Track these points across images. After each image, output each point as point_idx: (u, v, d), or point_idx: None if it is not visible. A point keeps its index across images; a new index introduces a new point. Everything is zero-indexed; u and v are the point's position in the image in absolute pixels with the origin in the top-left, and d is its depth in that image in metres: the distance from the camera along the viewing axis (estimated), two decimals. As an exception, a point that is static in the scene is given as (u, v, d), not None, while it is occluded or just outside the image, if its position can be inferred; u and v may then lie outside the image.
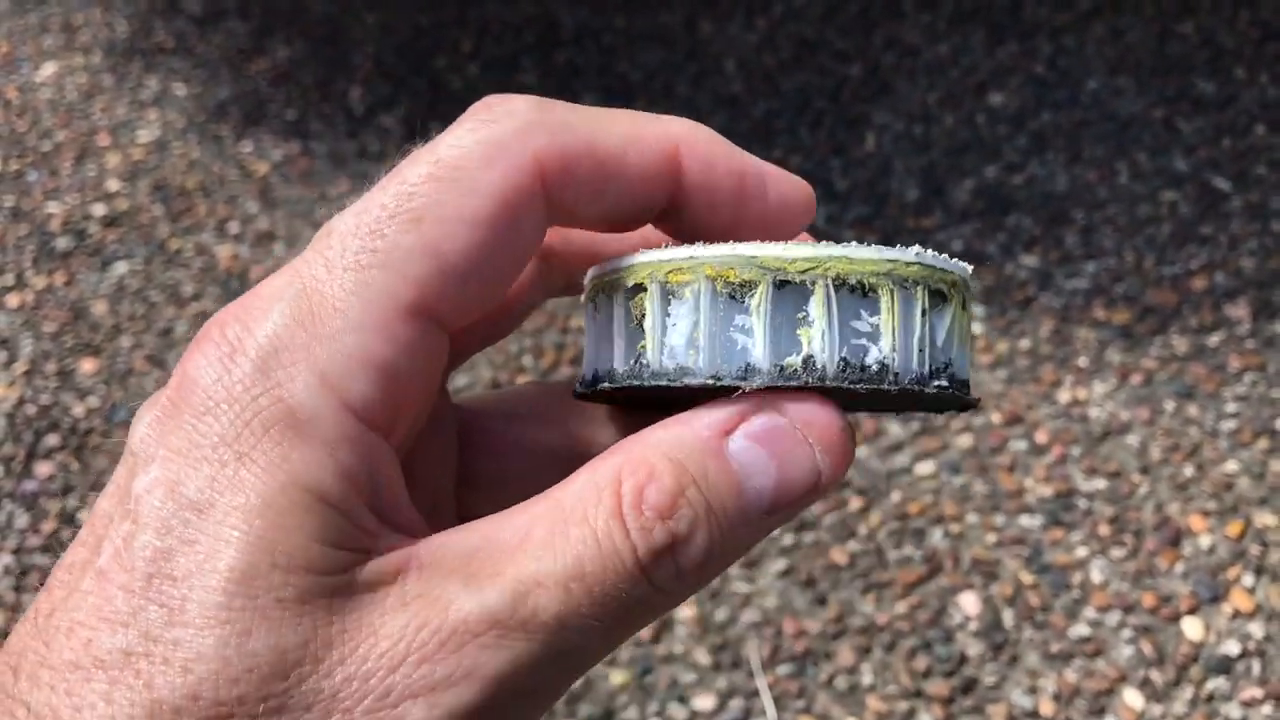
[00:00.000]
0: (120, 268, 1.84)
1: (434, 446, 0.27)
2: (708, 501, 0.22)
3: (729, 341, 0.23)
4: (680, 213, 0.26)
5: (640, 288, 0.24)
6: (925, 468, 1.42)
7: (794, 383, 0.23)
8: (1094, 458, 1.41)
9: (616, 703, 1.20)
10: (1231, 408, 1.46)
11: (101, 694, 0.20)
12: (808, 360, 0.23)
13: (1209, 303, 1.62)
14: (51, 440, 1.54)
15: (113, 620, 0.20)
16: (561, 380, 0.31)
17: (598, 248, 0.29)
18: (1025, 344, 1.59)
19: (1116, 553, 1.30)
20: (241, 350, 0.22)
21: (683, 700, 1.19)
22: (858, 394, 0.24)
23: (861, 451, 1.44)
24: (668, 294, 0.24)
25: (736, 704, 1.19)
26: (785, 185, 0.26)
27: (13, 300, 1.79)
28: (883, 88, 2.17)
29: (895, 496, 1.39)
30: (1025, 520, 1.35)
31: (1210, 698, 1.16)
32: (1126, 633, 1.22)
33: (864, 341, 0.23)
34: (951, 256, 0.25)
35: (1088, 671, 1.19)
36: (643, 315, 0.24)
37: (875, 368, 0.23)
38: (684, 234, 0.27)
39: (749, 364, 0.23)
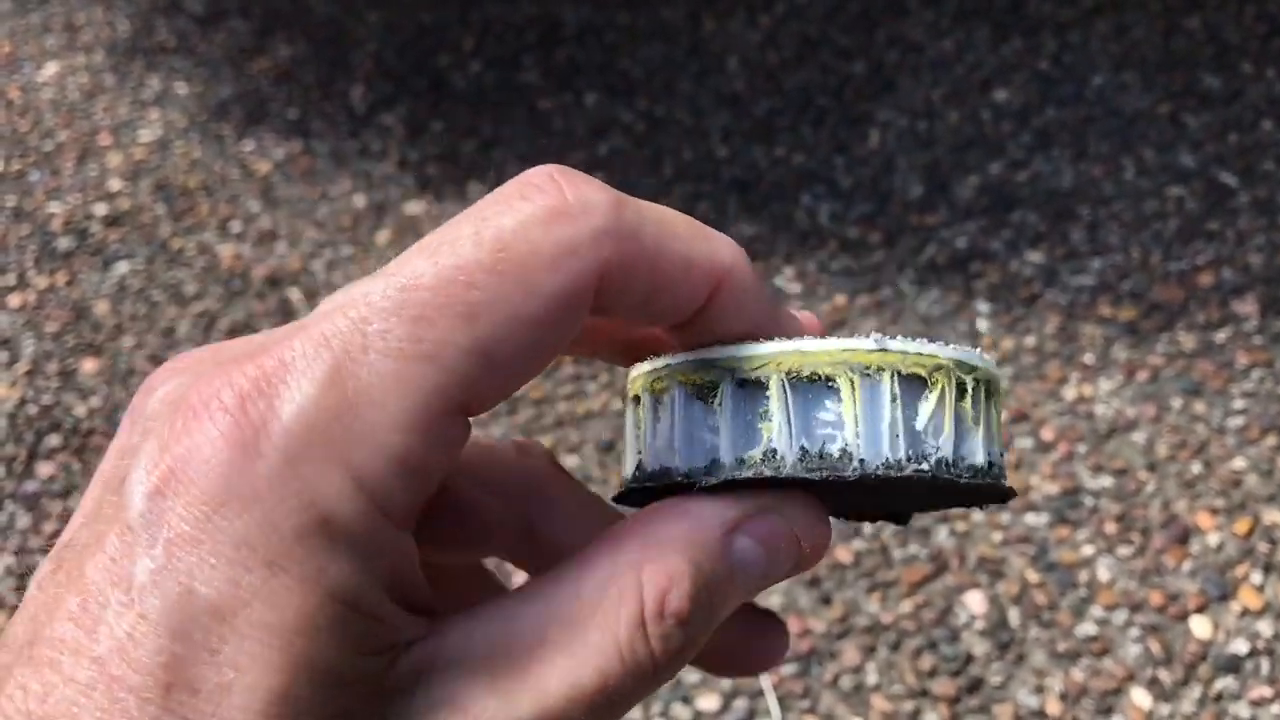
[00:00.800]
0: (122, 267, 1.84)
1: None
2: (712, 601, 0.23)
3: (700, 440, 0.25)
4: (686, 327, 0.26)
5: (637, 398, 0.26)
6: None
7: (751, 473, 0.24)
8: (1100, 455, 1.41)
9: (620, 703, 1.19)
10: (1239, 404, 1.45)
11: None
12: (768, 453, 0.24)
13: (1216, 299, 1.61)
14: (53, 441, 1.54)
15: (125, 713, 0.19)
16: (539, 449, 0.31)
17: (621, 329, 0.29)
18: (1031, 341, 1.58)
19: (1123, 551, 1.29)
20: (265, 435, 0.20)
21: (686, 700, 1.19)
22: (863, 487, 0.25)
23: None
24: (655, 402, 0.26)
25: (741, 704, 1.18)
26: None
27: (14, 300, 1.78)
28: (886, 85, 2.16)
29: (900, 495, 1.38)
30: (1031, 518, 1.34)
31: (1219, 697, 1.15)
32: (1134, 631, 1.21)
33: (829, 430, 0.24)
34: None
35: (1095, 670, 1.18)
36: (638, 423, 0.26)
37: (837, 454, 0.24)
38: (684, 340, 0.27)
39: (715, 460, 0.24)
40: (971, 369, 0.25)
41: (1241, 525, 1.30)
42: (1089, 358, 1.54)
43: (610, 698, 0.22)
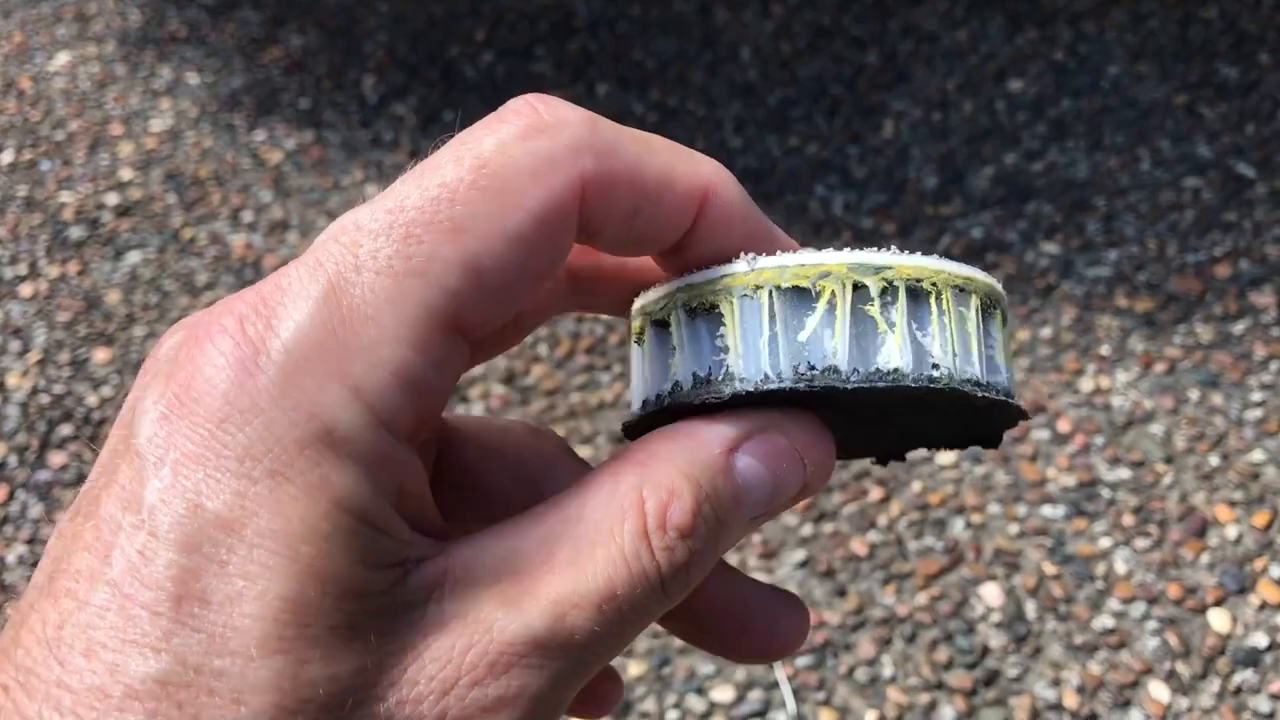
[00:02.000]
0: (133, 257, 1.83)
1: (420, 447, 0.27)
2: (717, 517, 0.23)
3: (664, 366, 0.26)
4: (680, 251, 0.26)
5: (640, 332, 0.26)
6: (946, 457, 1.40)
7: (679, 399, 0.25)
8: (1117, 447, 1.39)
9: (634, 694, 1.18)
10: (1257, 396, 1.44)
11: None
12: (676, 384, 0.25)
13: (1233, 290, 1.60)
14: (65, 430, 1.54)
15: (141, 644, 0.19)
16: (552, 436, 0.31)
17: (623, 271, 0.29)
18: (1047, 332, 1.56)
19: (1141, 543, 1.28)
20: (265, 352, 0.20)
21: (700, 692, 1.18)
22: (843, 413, 0.25)
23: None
24: (653, 331, 0.26)
25: (755, 696, 1.17)
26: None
27: (26, 290, 1.78)
28: (900, 75, 2.14)
29: (916, 486, 1.37)
30: (1048, 510, 1.33)
31: (1238, 690, 1.14)
32: (1151, 624, 1.20)
33: (719, 357, 0.25)
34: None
35: (1112, 663, 1.17)
36: (642, 355, 0.26)
37: (721, 377, 0.24)
38: (672, 266, 0.27)
39: (675, 382, 0.25)
40: (876, 269, 0.24)
41: (1260, 518, 1.29)
42: (1105, 349, 1.53)
43: (620, 607, 0.22)
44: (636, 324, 0.27)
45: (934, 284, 0.24)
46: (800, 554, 1.30)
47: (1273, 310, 1.56)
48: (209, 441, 0.20)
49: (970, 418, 0.27)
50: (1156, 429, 1.41)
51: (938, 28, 2.27)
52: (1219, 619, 1.20)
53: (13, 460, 1.50)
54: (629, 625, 0.22)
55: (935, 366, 0.24)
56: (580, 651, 0.22)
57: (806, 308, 0.24)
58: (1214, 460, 1.37)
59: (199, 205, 1.94)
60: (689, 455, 0.23)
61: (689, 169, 0.25)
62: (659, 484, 0.23)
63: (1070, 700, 1.15)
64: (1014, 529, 1.31)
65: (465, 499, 0.29)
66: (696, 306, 0.25)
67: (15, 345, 1.68)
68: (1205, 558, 1.26)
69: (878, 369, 0.24)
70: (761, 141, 1.99)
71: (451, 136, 0.24)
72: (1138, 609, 1.22)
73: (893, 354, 0.24)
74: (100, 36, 2.46)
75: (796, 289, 0.24)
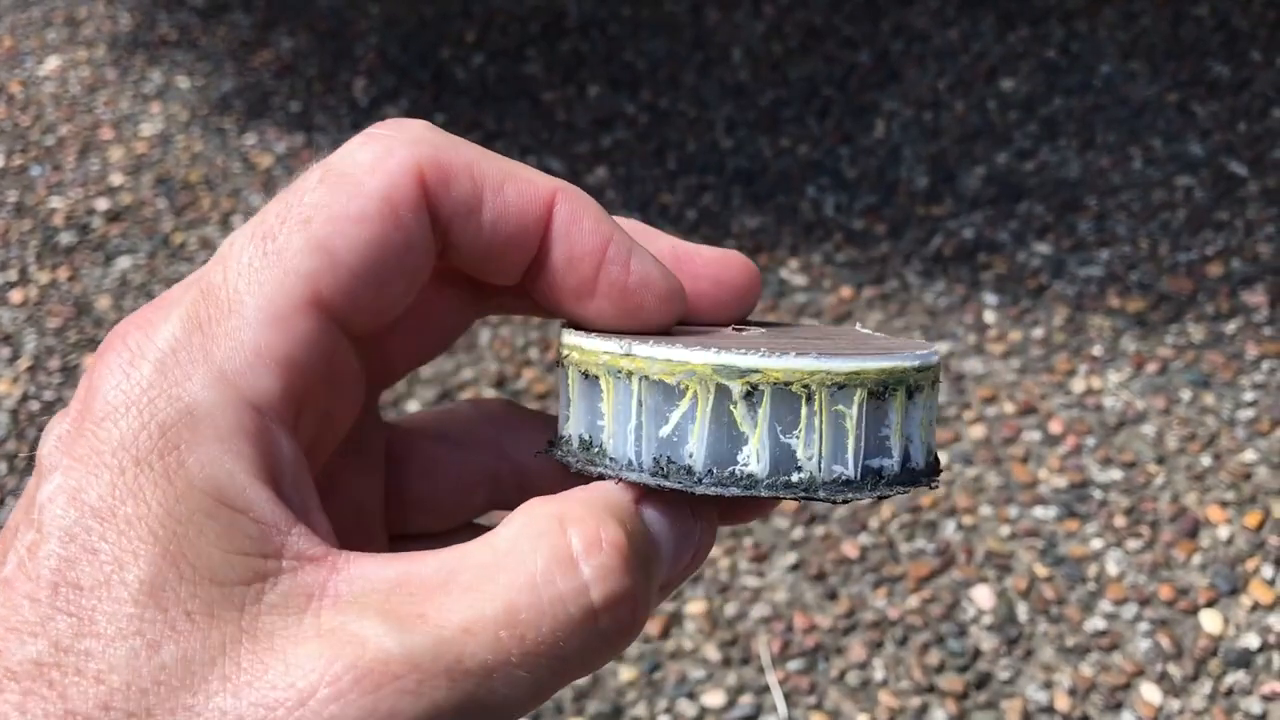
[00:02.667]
0: (124, 262, 1.83)
1: (359, 463, 0.28)
2: (645, 557, 0.23)
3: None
4: (543, 265, 0.26)
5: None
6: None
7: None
8: (1109, 448, 1.39)
9: (625, 699, 1.18)
10: (1249, 396, 1.44)
11: (15, 705, 0.20)
12: (565, 438, 0.27)
13: (1225, 289, 1.60)
14: (55, 436, 1.53)
15: (21, 630, 0.20)
16: (497, 398, 0.32)
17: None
18: (1038, 333, 1.56)
19: (1133, 544, 1.28)
20: (142, 355, 0.22)
21: (692, 697, 1.18)
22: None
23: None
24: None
25: (746, 700, 1.17)
26: (650, 268, 0.26)
27: (16, 296, 1.77)
28: (892, 74, 2.14)
29: (907, 488, 1.36)
30: (1039, 512, 1.33)
31: (1229, 691, 1.14)
32: (1143, 626, 1.20)
33: (600, 423, 0.26)
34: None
35: (1104, 665, 1.17)
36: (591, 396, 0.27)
37: (598, 449, 0.26)
38: (546, 291, 0.27)
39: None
40: (742, 373, 0.24)
41: (1252, 518, 1.29)
42: (1097, 349, 1.53)
43: (523, 638, 0.21)
44: (557, 352, 0.28)
45: (805, 386, 0.24)
46: (792, 557, 1.30)
47: (1265, 310, 1.56)
48: (92, 442, 0.21)
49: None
50: (1148, 429, 1.41)
51: (929, 27, 2.26)
52: (1211, 620, 1.20)
53: (2, 468, 1.49)
54: (543, 664, 0.21)
55: (799, 469, 0.24)
56: (469, 683, 0.20)
57: (672, 402, 0.24)
58: (1206, 461, 1.37)
59: (189, 210, 1.93)
60: (605, 499, 0.24)
61: (535, 175, 0.26)
62: (583, 515, 0.22)
63: (1062, 702, 1.14)
64: (1005, 531, 1.31)
65: (435, 488, 0.30)
66: (585, 372, 0.25)
67: (5, 352, 1.68)
68: (1197, 559, 1.26)
69: (732, 473, 0.24)
70: (753, 143, 1.99)
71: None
72: (1129, 610, 1.22)
73: (750, 458, 0.24)
74: (90, 40, 2.45)
75: (663, 382, 0.24)
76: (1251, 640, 1.18)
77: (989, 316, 1.60)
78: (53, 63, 2.38)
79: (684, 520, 0.25)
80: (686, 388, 0.24)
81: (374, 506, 0.29)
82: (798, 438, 0.24)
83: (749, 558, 1.30)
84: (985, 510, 1.33)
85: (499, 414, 0.31)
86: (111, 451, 0.21)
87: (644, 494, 0.24)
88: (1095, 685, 1.16)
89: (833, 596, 1.26)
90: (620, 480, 0.24)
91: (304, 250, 0.23)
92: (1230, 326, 1.54)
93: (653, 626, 1.23)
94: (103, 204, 1.96)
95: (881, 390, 0.25)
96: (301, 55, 2.35)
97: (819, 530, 1.33)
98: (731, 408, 0.24)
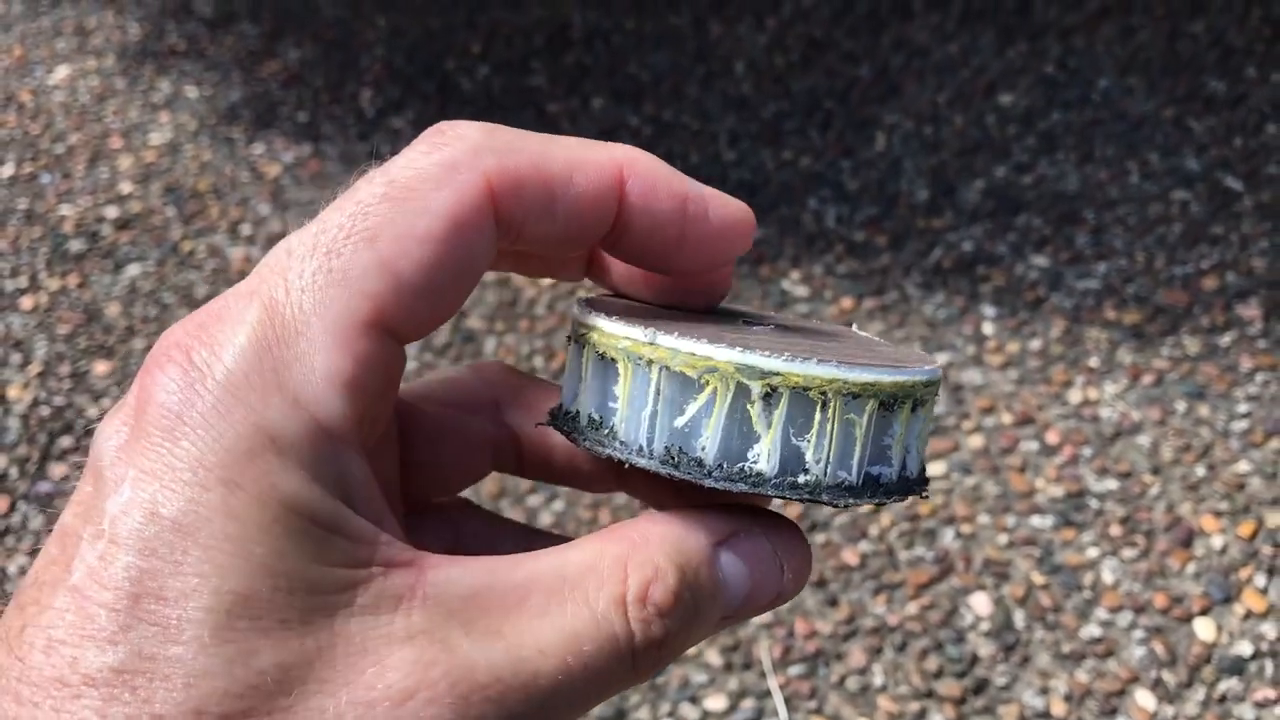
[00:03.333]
0: (133, 270, 1.85)
1: (382, 442, 0.28)
2: (696, 605, 0.24)
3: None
4: (624, 235, 0.27)
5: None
6: (937, 468, 1.42)
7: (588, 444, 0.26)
8: (1105, 458, 1.41)
9: (628, 703, 1.20)
10: (1243, 408, 1.46)
11: (95, 710, 0.20)
12: (574, 415, 0.27)
13: (1220, 303, 1.62)
14: (65, 442, 1.55)
15: (98, 638, 0.20)
16: (496, 362, 0.33)
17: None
18: (1036, 344, 1.58)
19: (1128, 553, 1.30)
20: (210, 375, 0.22)
21: (694, 701, 1.20)
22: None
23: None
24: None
25: (748, 704, 1.19)
26: (727, 209, 0.27)
27: (27, 302, 1.80)
28: (892, 88, 2.17)
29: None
30: (1036, 521, 1.35)
31: (1223, 698, 1.16)
32: (1138, 633, 1.22)
33: (613, 405, 0.26)
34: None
35: (1099, 672, 1.19)
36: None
37: (609, 431, 0.26)
38: (629, 255, 0.28)
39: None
40: (763, 374, 0.24)
41: (1245, 528, 1.31)
42: (1094, 361, 1.55)
43: (586, 664, 0.22)
44: (571, 327, 0.28)
45: (823, 393, 0.25)
46: (792, 564, 1.32)
47: (1259, 323, 1.58)
48: (164, 457, 0.21)
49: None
50: (1144, 440, 1.43)
51: (929, 42, 2.29)
52: (1205, 628, 1.22)
53: (14, 472, 1.51)
54: (591, 688, 0.23)
55: (805, 471, 0.25)
56: (541, 698, 0.22)
57: (690, 395, 0.25)
58: (1200, 471, 1.39)
59: (198, 218, 1.95)
60: (677, 542, 0.24)
61: (599, 152, 0.26)
62: (645, 560, 0.24)
63: (1058, 708, 1.16)
64: (1003, 539, 1.33)
65: (442, 452, 0.30)
66: (603, 354, 0.26)
67: (16, 358, 1.70)
68: (1191, 567, 1.28)
69: (741, 470, 0.24)
70: (755, 155, 2.01)
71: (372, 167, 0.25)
72: (1125, 618, 1.24)
73: (760, 456, 0.25)
74: (100, 50, 2.48)
75: (684, 375, 0.25)
76: (1244, 648, 1.20)
77: (988, 328, 1.62)
78: (62, 72, 2.40)
79: (765, 565, 0.25)
80: (707, 383, 0.25)
81: (394, 478, 0.29)
82: (809, 442, 0.25)
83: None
84: (983, 519, 1.35)
85: (498, 378, 0.32)
86: (190, 469, 0.21)
87: (732, 534, 0.25)
88: (1091, 691, 1.18)
89: (833, 603, 1.28)
90: (629, 465, 0.25)
91: (370, 271, 0.23)
92: (1225, 339, 1.56)
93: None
94: (112, 212, 1.98)
95: (891, 402, 0.26)
96: (308, 66, 2.38)
97: (820, 538, 1.35)
98: (749, 406, 0.24)
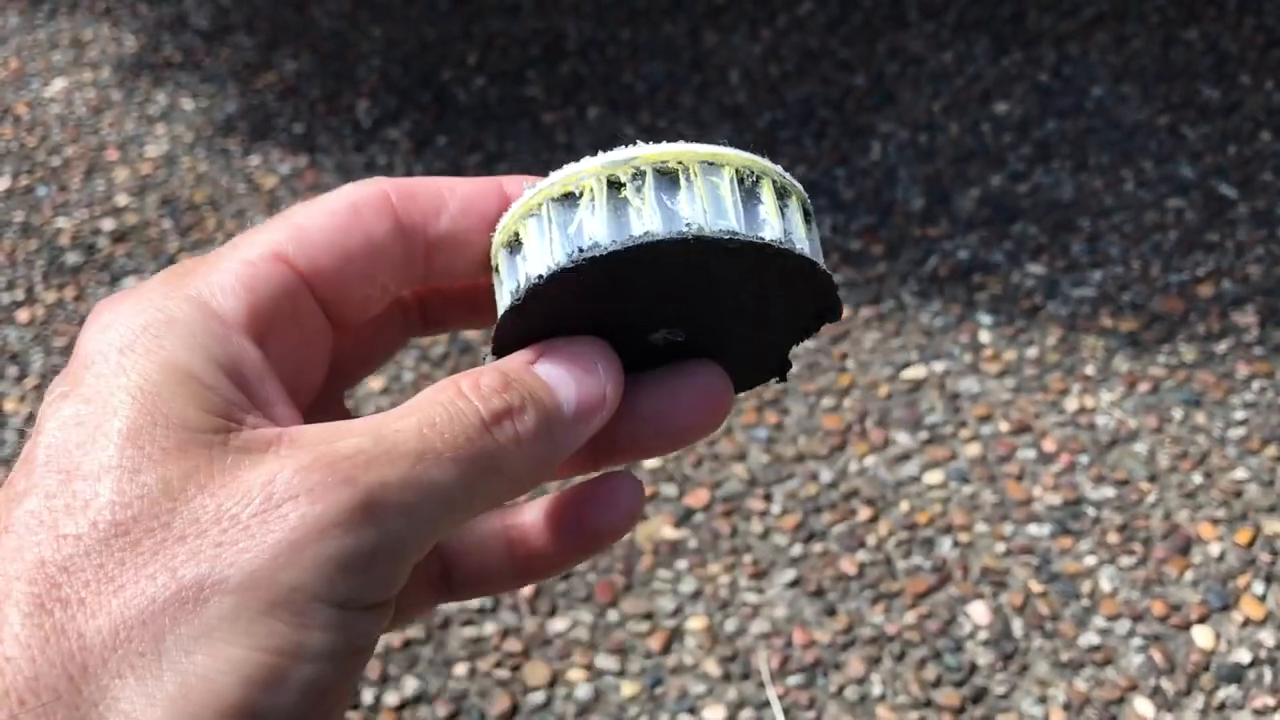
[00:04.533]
0: (130, 282, 1.85)
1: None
2: (527, 395, 0.27)
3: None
4: None
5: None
6: (934, 477, 1.42)
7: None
8: (1102, 466, 1.41)
9: (626, 714, 1.20)
10: (1240, 415, 1.46)
11: (13, 548, 0.23)
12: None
13: (1216, 310, 1.62)
14: (62, 455, 1.55)
15: (15, 498, 0.24)
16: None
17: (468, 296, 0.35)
18: (1032, 352, 1.59)
19: (1125, 561, 1.30)
20: (125, 297, 0.27)
21: (692, 711, 1.19)
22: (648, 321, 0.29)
23: (869, 461, 1.44)
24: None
25: (746, 715, 1.19)
26: None
27: (23, 315, 1.79)
28: (887, 97, 2.17)
29: (904, 506, 1.39)
30: (1034, 529, 1.35)
31: (1222, 706, 1.16)
32: (1136, 641, 1.22)
33: (525, 264, 0.29)
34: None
35: (1098, 680, 1.19)
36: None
37: (527, 272, 0.28)
38: None
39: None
40: (625, 161, 0.28)
41: (1243, 535, 1.31)
42: (1090, 369, 1.55)
43: (440, 433, 0.25)
44: (490, 271, 0.31)
45: (680, 162, 0.27)
46: (790, 574, 1.32)
47: (1255, 330, 1.59)
48: (82, 359, 0.26)
49: (773, 280, 0.29)
50: (1140, 448, 1.43)
51: (924, 50, 2.30)
52: (1203, 636, 1.22)
53: (10, 485, 1.51)
54: (464, 458, 0.25)
55: (686, 224, 0.27)
56: (408, 461, 0.24)
57: (573, 206, 0.28)
58: (1197, 479, 1.39)
59: (195, 230, 1.96)
60: (496, 364, 0.28)
61: (480, 178, 0.31)
62: (471, 374, 0.27)
63: (1057, 717, 1.16)
64: (1001, 548, 1.33)
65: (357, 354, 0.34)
66: (509, 241, 0.29)
67: (13, 371, 1.69)
68: (1189, 575, 1.28)
69: (630, 235, 0.27)
70: (751, 164, 2.02)
71: None
72: (1123, 626, 1.24)
73: (645, 223, 0.27)
74: (96, 63, 2.48)
75: (566, 195, 0.28)
76: (1243, 655, 1.20)
77: (984, 336, 1.62)
78: (59, 84, 2.40)
79: (582, 365, 0.28)
80: (583, 188, 0.28)
81: (306, 384, 0.33)
82: (680, 202, 0.27)
83: (748, 575, 1.32)
84: (981, 527, 1.35)
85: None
86: (99, 352, 0.25)
87: (539, 352, 0.28)
88: (1089, 700, 1.18)
89: (831, 612, 1.28)
90: (542, 280, 0.27)
91: (277, 227, 0.28)
92: (1221, 346, 1.57)
93: (654, 642, 1.25)
94: (108, 224, 1.98)
95: (748, 176, 0.28)
96: (304, 77, 2.38)
97: (817, 547, 1.35)
98: (622, 192, 0.27)
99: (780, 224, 0.28)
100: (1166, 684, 1.18)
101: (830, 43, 2.35)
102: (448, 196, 0.30)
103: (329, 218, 0.29)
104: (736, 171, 0.28)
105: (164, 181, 2.08)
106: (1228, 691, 1.17)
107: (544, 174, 0.29)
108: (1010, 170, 1.94)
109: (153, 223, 1.98)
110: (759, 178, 0.28)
